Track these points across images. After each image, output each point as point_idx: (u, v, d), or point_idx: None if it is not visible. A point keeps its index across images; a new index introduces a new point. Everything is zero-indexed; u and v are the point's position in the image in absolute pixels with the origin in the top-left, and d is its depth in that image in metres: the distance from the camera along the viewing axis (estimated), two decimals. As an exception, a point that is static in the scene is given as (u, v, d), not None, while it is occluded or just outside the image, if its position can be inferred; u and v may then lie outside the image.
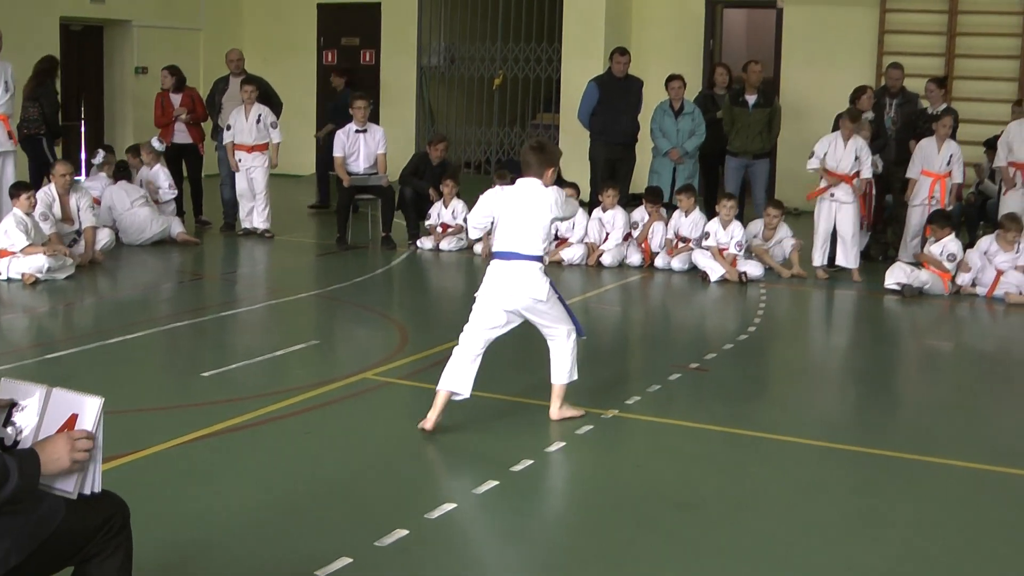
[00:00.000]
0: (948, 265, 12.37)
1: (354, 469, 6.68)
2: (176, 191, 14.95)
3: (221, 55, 16.82)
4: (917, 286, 12.24)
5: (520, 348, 9.90)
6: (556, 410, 7.66)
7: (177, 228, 14.39)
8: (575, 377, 7.72)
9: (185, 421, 7.34)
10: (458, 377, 7.43)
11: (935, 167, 13.41)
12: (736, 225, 13.01)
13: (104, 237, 13.22)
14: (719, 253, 12.87)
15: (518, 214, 7.46)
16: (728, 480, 6.71)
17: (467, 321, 7.49)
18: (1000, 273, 12.23)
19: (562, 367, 7.65)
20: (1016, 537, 5.96)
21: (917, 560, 5.65)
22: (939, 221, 12.71)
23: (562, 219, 7.79)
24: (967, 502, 6.46)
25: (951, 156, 13.46)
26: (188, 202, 15.75)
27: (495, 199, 7.67)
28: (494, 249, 7.63)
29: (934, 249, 12.54)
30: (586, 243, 13.62)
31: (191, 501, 6.05)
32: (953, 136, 14.32)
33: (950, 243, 12.51)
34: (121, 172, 14.55)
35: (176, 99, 15.73)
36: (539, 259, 7.46)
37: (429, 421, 7.33)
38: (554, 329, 7.64)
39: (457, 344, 7.54)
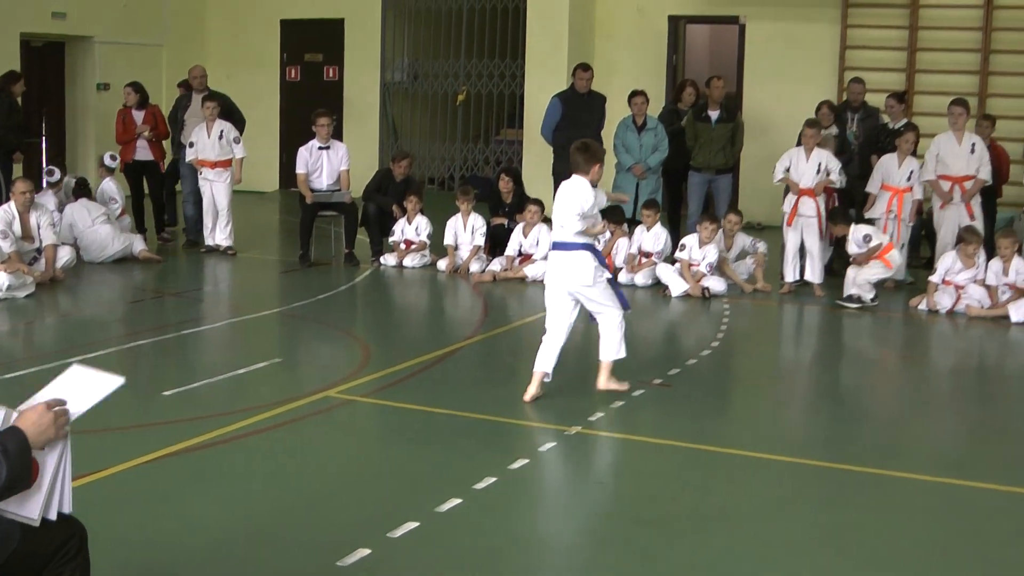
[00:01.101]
0: (872, 245, 12.42)
1: (317, 488, 6.64)
2: (118, 203, 14.81)
3: (184, 71, 16.75)
4: (862, 295, 12.37)
5: (484, 365, 9.91)
6: (603, 381, 8.64)
7: (139, 246, 14.30)
8: (622, 355, 8.65)
9: (145, 441, 7.28)
10: (546, 359, 8.57)
11: (895, 182, 13.47)
12: (712, 248, 13.02)
13: (65, 255, 13.10)
14: (687, 268, 12.88)
15: (562, 208, 8.50)
16: (692, 496, 6.70)
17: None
18: (960, 289, 12.30)
19: (610, 344, 8.62)
20: (979, 548, 5.97)
21: (881, 573, 5.65)
22: (835, 218, 12.91)
23: (584, 215, 8.47)
24: (930, 515, 6.48)
25: (911, 172, 13.53)
26: (150, 219, 15.68)
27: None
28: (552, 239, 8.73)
29: (851, 248, 12.68)
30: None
31: (151, 522, 6.00)
32: (914, 152, 14.42)
33: (855, 232, 12.65)
34: (81, 190, 14.44)
35: (139, 116, 15.68)
36: (584, 247, 8.43)
37: (529, 395, 8.44)
38: (602, 309, 8.58)
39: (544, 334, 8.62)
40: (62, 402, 3.73)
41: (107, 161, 15.09)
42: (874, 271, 12.50)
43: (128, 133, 15.67)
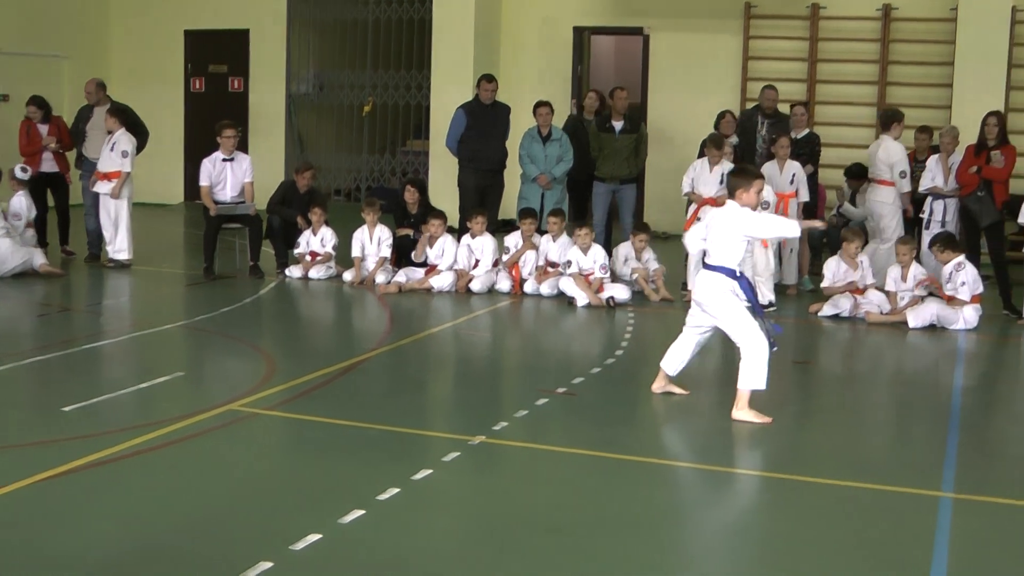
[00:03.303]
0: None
1: (219, 502, 6.59)
2: (20, 219, 14.59)
3: (84, 82, 16.55)
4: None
5: (389, 376, 9.91)
6: (736, 411, 8.49)
7: (39, 259, 14.08)
8: (759, 386, 8.46)
9: (43, 458, 7.17)
10: (672, 360, 9.11)
11: (779, 187, 13.64)
12: (596, 249, 13.11)
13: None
14: (584, 280, 12.96)
15: (714, 231, 8.67)
16: (596, 504, 6.74)
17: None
18: (858, 292, 12.50)
19: (744, 373, 8.49)
20: (872, 551, 6.07)
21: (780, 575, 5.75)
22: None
23: (760, 237, 9.26)
24: (831, 519, 6.57)
25: (793, 175, 13.74)
26: (54, 232, 15.51)
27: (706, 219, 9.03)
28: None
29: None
30: (455, 270, 13.63)
31: (46, 541, 5.90)
32: (816, 160, 14.65)
33: (762, 192, 12.83)
34: None
35: (44, 129, 15.50)
36: (723, 271, 8.56)
37: (656, 386, 9.11)
38: (736, 337, 8.59)
39: None
40: None
41: (18, 173, 14.84)
42: (762, 258, 12.69)
43: (33, 145, 15.47)
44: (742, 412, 8.45)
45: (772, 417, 8.43)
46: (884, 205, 14.02)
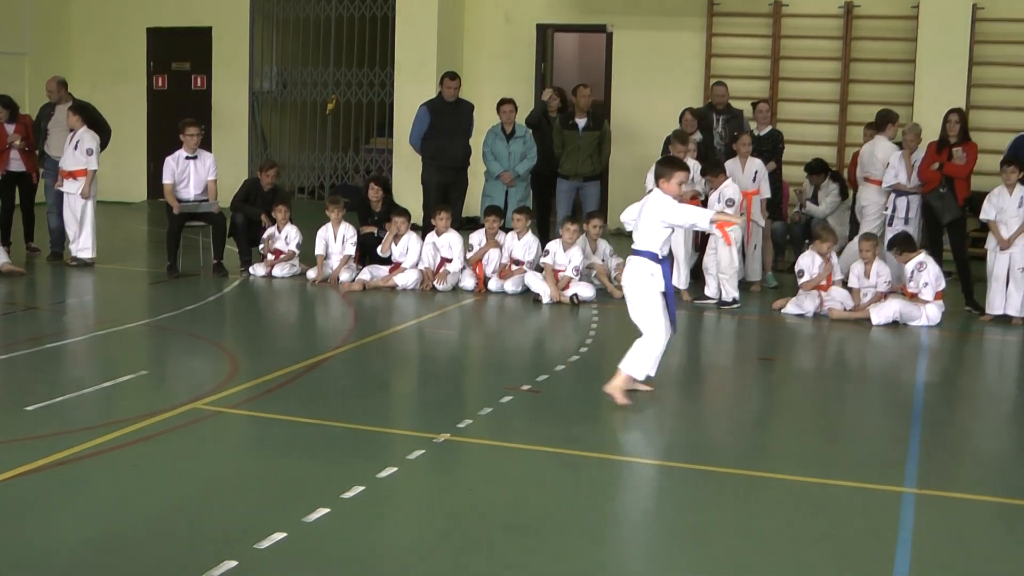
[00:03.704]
0: (729, 210, 12.65)
1: (183, 501, 6.57)
2: None
3: (47, 80, 16.46)
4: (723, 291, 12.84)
5: (353, 374, 9.90)
6: (608, 385, 8.82)
7: (1, 258, 13.99)
8: (638, 375, 8.83)
9: (5, 458, 7.12)
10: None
11: (742, 185, 13.71)
12: (576, 250, 13.12)
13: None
14: (553, 274, 12.97)
15: (641, 216, 8.91)
16: (559, 501, 6.75)
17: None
18: (822, 289, 12.57)
19: (631, 357, 8.83)
20: (835, 547, 6.11)
21: (742, 573, 5.76)
22: (711, 170, 13.34)
23: (674, 225, 8.97)
24: (795, 515, 6.61)
25: (756, 172, 13.83)
26: (19, 230, 15.49)
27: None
28: None
29: (712, 198, 12.99)
30: (421, 269, 13.61)
31: (11, 539, 5.88)
32: (779, 157, 14.71)
33: (726, 188, 12.98)
34: None
35: (11, 128, 15.43)
36: (646, 254, 8.81)
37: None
38: (639, 323, 8.97)
39: None
40: None
41: None
42: (726, 255, 12.76)
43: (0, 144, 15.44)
44: (613, 388, 8.80)
45: (631, 401, 8.79)
46: (874, 204, 14.18)
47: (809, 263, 12.71)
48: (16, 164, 15.45)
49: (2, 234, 15.14)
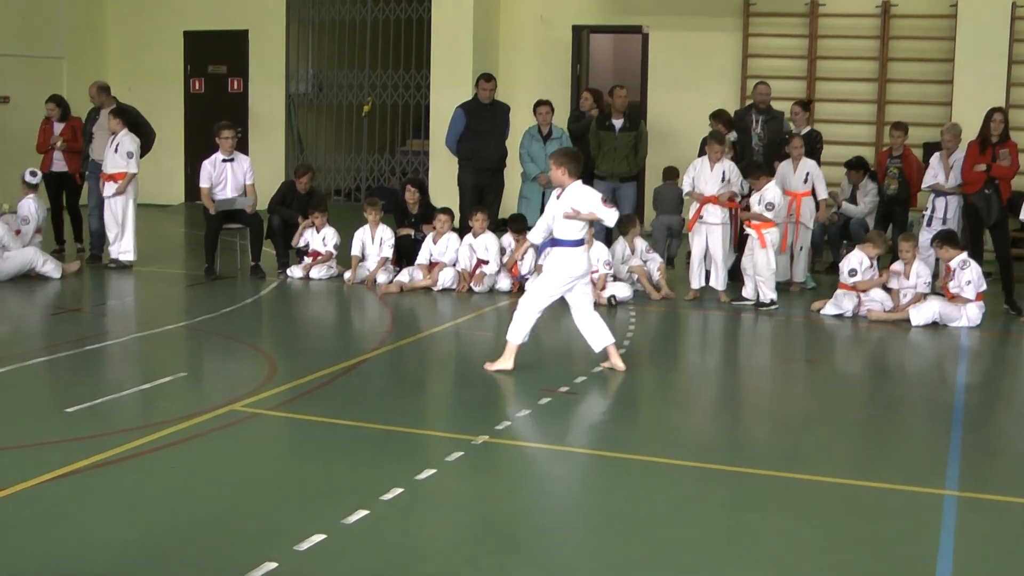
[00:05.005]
0: (767, 214, 12.59)
1: (222, 503, 6.59)
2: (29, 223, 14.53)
3: (85, 84, 16.56)
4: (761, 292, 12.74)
5: (390, 376, 9.91)
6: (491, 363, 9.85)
7: (44, 263, 13.86)
8: (512, 339, 9.80)
9: (45, 459, 7.17)
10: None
11: (793, 186, 13.67)
12: (598, 246, 13.07)
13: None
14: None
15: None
16: (597, 502, 6.74)
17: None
18: (861, 291, 12.49)
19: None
20: (876, 550, 6.07)
21: (780, 575, 5.74)
22: (753, 172, 13.08)
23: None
24: (832, 516, 6.57)
25: (807, 174, 13.77)
26: (69, 231, 15.80)
27: None
28: None
29: (752, 200, 12.86)
30: (458, 270, 13.60)
31: (49, 543, 5.90)
32: (818, 158, 14.63)
33: (768, 191, 12.83)
34: None
35: (59, 128, 15.62)
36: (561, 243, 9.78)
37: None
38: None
39: None
40: None
41: (27, 178, 14.82)
42: (762, 258, 12.69)
43: (45, 144, 15.68)
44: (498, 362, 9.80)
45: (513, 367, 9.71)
46: None
47: (858, 263, 12.59)
48: (59, 164, 15.67)
49: (54, 233, 15.62)
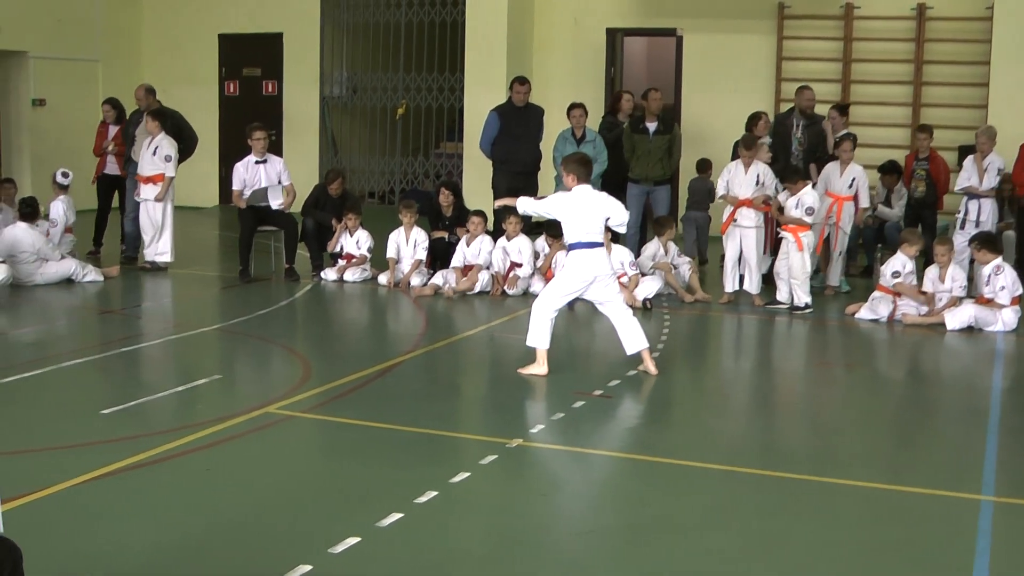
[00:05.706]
0: (807, 219, 12.54)
1: (256, 505, 6.61)
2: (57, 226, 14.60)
3: (120, 86, 16.75)
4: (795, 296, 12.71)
5: (424, 379, 9.92)
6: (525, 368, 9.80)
7: (73, 268, 13.87)
8: (536, 344, 9.78)
9: (82, 461, 7.21)
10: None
11: (837, 189, 13.63)
12: (618, 248, 13.03)
13: (0, 273, 12.96)
14: (617, 280, 12.90)
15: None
16: (631, 506, 6.73)
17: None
18: (897, 296, 12.43)
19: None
20: (912, 555, 6.04)
21: (818, 582, 5.72)
22: (791, 176, 13.01)
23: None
24: (865, 521, 6.53)
25: (853, 179, 13.73)
26: (111, 234, 16.03)
27: None
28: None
29: (789, 203, 12.79)
30: (492, 273, 13.62)
31: (85, 544, 5.94)
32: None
33: (806, 195, 12.75)
34: (28, 214, 13.99)
35: (113, 131, 15.79)
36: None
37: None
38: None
39: None
40: None
41: (58, 178, 14.92)
42: (797, 261, 12.64)
43: (100, 146, 16.03)
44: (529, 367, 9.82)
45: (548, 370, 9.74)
46: None
47: (901, 265, 12.50)
48: (112, 167, 15.85)
49: (96, 234, 15.72)
